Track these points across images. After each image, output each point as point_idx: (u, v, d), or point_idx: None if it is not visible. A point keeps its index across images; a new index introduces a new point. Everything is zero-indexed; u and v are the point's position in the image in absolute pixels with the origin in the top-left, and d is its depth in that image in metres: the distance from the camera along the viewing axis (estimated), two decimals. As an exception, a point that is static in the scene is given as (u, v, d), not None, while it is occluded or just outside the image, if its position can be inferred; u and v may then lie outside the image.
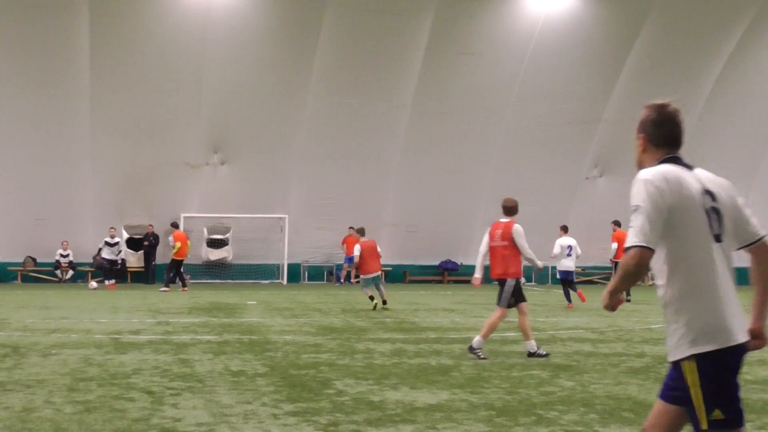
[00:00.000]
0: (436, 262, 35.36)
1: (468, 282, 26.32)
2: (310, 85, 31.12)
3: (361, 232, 22.46)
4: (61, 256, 32.08)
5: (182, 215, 32.34)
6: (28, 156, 30.99)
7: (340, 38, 30.41)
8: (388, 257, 31.42)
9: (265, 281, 33.54)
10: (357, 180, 33.03)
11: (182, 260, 28.37)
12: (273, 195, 33.14)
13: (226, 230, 33.70)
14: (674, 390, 4.06)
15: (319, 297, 25.31)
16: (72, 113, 30.65)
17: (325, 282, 34.64)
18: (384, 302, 21.04)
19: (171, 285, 27.61)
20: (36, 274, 32.37)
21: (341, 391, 9.13)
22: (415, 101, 31.96)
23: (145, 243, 32.24)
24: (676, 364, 4.04)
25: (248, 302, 22.66)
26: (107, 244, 29.67)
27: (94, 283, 29.29)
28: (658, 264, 4.08)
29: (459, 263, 34.95)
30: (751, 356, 4.36)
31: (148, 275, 32.20)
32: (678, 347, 4.02)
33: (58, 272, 32.30)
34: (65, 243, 31.84)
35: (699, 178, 4.19)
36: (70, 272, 32.40)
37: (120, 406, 8.19)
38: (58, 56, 29.60)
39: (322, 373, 10.36)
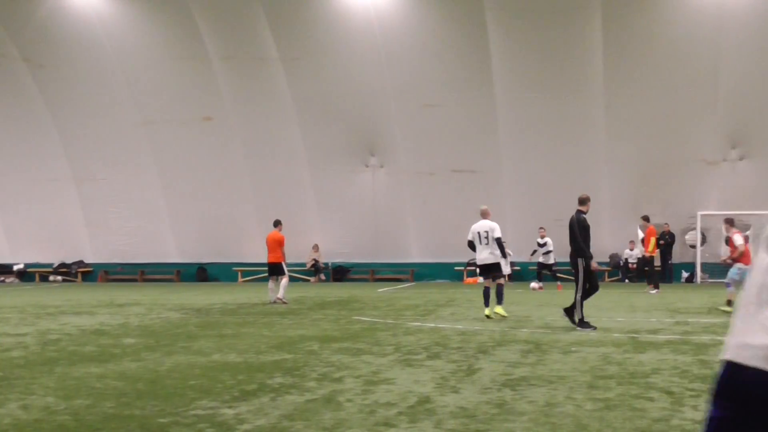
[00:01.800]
0: None
1: None
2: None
3: None
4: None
5: (699, 213, 31.42)
6: (545, 161, 32.39)
7: None
8: None
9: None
10: None
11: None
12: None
13: (746, 228, 31.97)
14: None
15: None
16: (587, 116, 31.39)
17: None
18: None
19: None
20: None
21: None
22: None
23: (661, 242, 31.85)
24: None
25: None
26: (538, 244, 29.60)
27: (534, 284, 29.13)
28: None
29: None
30: None
31: (664, 274, 31.77)
32: None
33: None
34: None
35: None
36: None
37: (639, 406, 8.12)
38: (574, 61, 30.50)
39: None
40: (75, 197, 37.08)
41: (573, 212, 16.33)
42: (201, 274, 37.62)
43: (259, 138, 35.26)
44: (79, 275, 37.92)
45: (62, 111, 35.60)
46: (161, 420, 7.28)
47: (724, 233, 21.85)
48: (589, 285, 15.66)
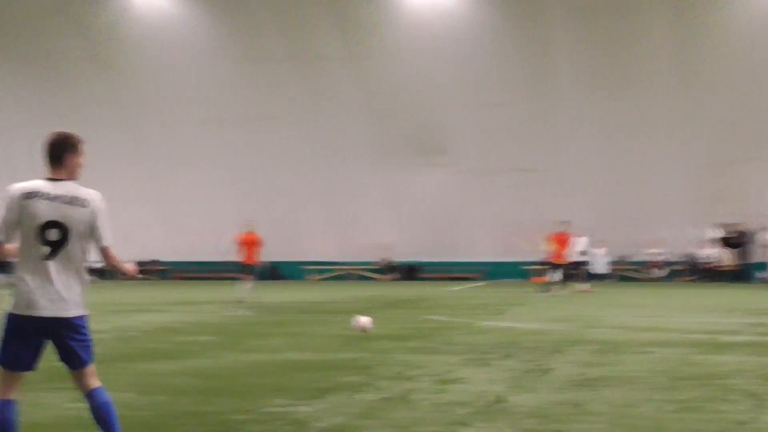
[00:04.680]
0: None
1: None
2: None
3: None
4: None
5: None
6: (608, 159, 31.97)
7: None
8: None
9: None
10: None
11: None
12: None
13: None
14: None
15: None
16: (652, 113, 30.95)
17: None
18: None
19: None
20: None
21: None
22: None
23: (732, 241, 31.17)
24: None
25: None
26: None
27: None
28: None
29: None
30: None
31: (740, 274, 31.11)
32: None
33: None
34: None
35: None
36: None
37: (719, 408, 7.95)
38: (639, 57, 30.08)
39: None
40: (148, 196, 37.74)
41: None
42: (272, 272, 37.97)
43: (323, 137, 35.48)
44: (153, 273, 38.59)
45: (130, 110, 36.26)
46: (237, 417, 7.35)
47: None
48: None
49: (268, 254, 37.35)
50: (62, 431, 6.87)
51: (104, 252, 5.42)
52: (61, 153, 5.54)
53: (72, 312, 5.33)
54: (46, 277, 5.24)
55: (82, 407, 7.69)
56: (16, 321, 5.25)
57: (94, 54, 35.08)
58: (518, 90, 32.71)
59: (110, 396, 5.57)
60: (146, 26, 33.96)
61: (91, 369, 5.59)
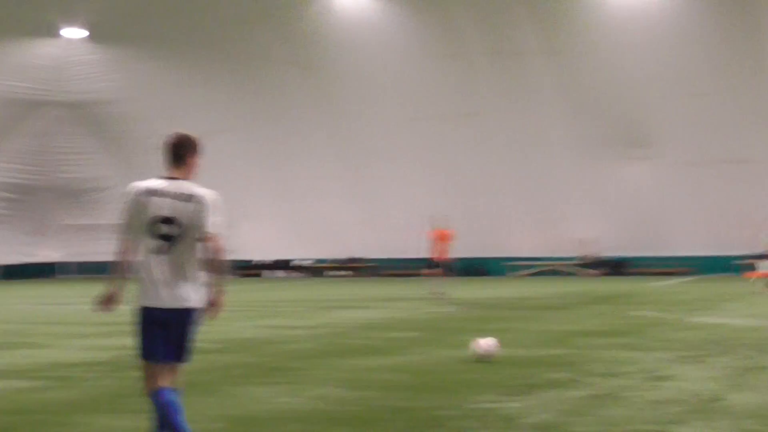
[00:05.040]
0: None
1: None
2: None
3: None
4: None
5: None
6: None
7: None
8: None
9: None
10: None
11: None
12: None
13: None
14: None
15: None
16: None
17: None
18: None
19: None
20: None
21: None
22: None
23: None
24: None
25: None
26: None
27: None
28: None
29: None
30: None
31: None
32: None
33: None
34: None
35: None
36: None
37: None
38: None
39: None
40: (349, 194, 38.70)
41: None
42: (474, 268, 38.09)
43: (521, 132, 35.21)
44: (358, 270, 39.55)
45: (331, 111, 37.28)
46: (446, 413, 7.43)
47: None
48: None
49: (469, 250, 37.62)
50: (277, 424, 7.14)
51: (206, 240, 5.51)
52: (184, 153, 5.74)
53: (181, 304, 5.52)
54: (161, 270, 5.51)
55: (297, 401, 8.02)
56: (140, 313, 5.57)
57: (297, 57, 36.33)
58: (725, 79, 31.28)
59: (176, 397, 5.55)
60: (347, 27, 34.86)
61: (176, 367, 5.65)
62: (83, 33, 36.77)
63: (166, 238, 5.54)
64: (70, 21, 36.00)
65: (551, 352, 11.41)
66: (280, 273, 40.38)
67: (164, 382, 5.54)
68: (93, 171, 39.70)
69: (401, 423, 7.09)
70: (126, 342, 13.05)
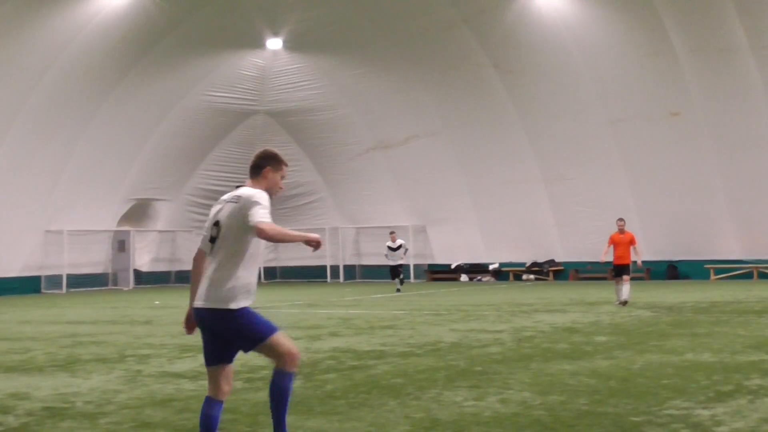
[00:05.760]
0: None
1: None
2: None
3: None
4: None
5: None
6: None
7: None
8: None
9: None
10: None
11: None
12: None
13: None
14: None
15: None
16: None
17: None
18: None
19: None
20: None
21: None
22: None
23: None
24: None
25: None
26: None
27: None
28: None
29: None
30: None
31: None
32: None
33: None
34: None
35: None
36: None
37: None
38: None
39: None
40: (545, 197, 38.28)
41: None
42: (671, 271, 36.86)
43: (730, 131, 33.75)
44: (551, 274, 39.07)
45: (530, 113, 36.99)
46: (634, 418, 7.27)
47: None
48: None
49: (673, 253, 36.31)
50: (461, 428, 7.20)
51: (258, 231, 5.50)
52: (263, 165, 5.91)
53: (218, 305, 5.58)
54: (207, 272, 5.69)
55: (482, 405, 8.05)
56: (193, 315, 5.78)
57: (497, 60, 36.25)
58: None
59: (220, 411, 5.69)
60: (545, 29, 34.44)
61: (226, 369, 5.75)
62: (287, 44, 38.16)
63: (212, 240, 5.77)
64: (275, 32, 37.44)
65: (746, 358, 10.94)
66: (480, 276, 40.43)
67: (223, 388, 5.67)
68: (297, 177, 41.07)
69: (586, 428, 6.99)
70: (312, 345, 13.46)
